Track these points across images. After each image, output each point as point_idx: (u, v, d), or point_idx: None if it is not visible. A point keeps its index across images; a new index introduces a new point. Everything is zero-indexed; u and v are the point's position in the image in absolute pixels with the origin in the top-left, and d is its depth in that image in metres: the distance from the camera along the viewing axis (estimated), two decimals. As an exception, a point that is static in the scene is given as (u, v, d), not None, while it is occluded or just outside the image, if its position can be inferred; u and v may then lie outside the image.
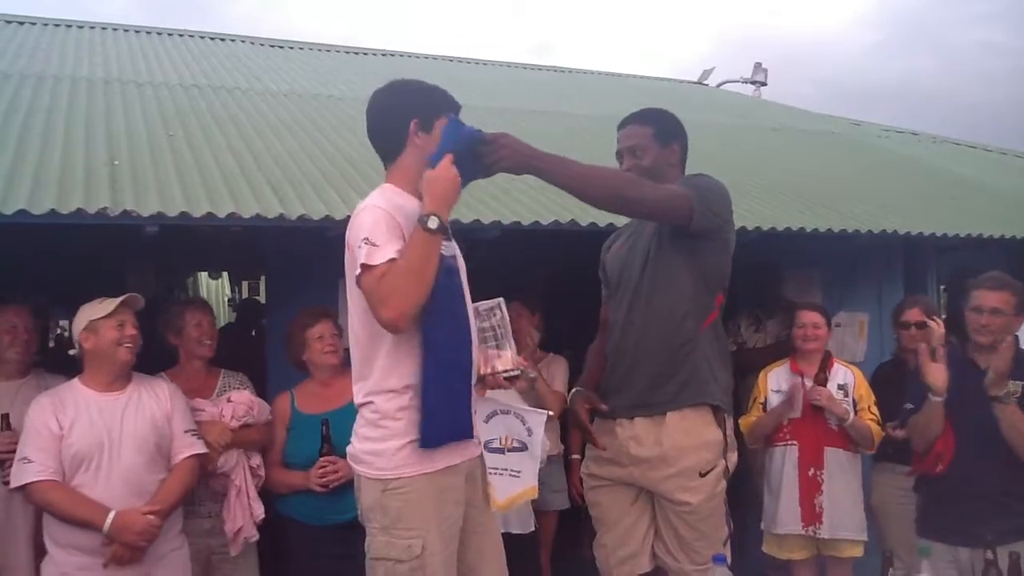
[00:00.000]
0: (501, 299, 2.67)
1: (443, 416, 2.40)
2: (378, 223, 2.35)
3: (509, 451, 2.81)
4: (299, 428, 3.54)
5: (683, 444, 2.82)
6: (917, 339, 4.17)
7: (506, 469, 2.80)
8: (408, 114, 2.51)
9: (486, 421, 2.78)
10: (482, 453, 2.65)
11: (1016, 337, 3.42)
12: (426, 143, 2.49)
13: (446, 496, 2.46)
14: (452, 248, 2.50)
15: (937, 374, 3.28)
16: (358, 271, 2.33)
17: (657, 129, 3.00)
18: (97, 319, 3.13)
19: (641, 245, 2.94)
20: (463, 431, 2.46)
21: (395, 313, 2.28)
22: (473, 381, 2.50)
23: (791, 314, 4.39)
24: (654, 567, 2.97)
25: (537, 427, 3.19)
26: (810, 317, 4.17)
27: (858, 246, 4.91)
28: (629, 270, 2.95)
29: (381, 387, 2.43)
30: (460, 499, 2.50)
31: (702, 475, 2.83)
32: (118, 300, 3.16)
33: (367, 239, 2.33)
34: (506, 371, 2.61)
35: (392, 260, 2.30)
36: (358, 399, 2.48)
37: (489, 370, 2.62)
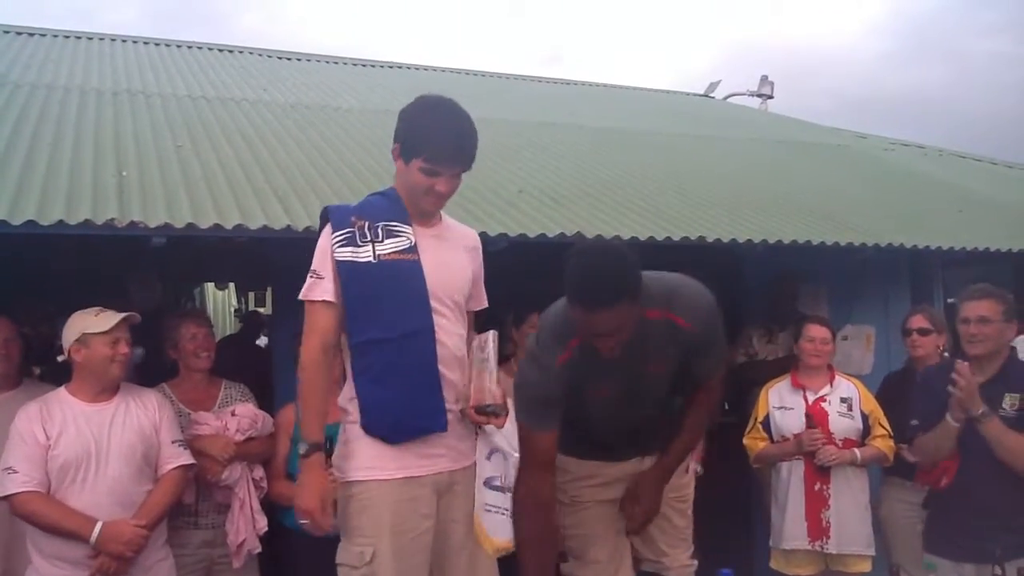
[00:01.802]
0: (492, 332, 2.66)
1: (378, 411, 2.49)
2: (324, 254, 2.53)
3: (508, 491, 2.75)
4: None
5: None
6: (916, 345, 4.18)
7: (507, 509, 2.74)
8: (398, 135, 2.60)
9: (488, 458, 2.74)
10: (470, 470, 2.66)
11: (1014, 348, 3.42)
12: (401, 171, 2.60)
13: (406, 507, 2.48)
14: (401, 243, 2.54)
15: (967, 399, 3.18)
16: (300, 299, 2.54)
17: (633, 296, 2.45)
18: (91, 333, 3.09)
19: (644, 397, 2.78)
20: (406, 428, 2.50)
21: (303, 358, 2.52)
22: (437, 383, 2.52)
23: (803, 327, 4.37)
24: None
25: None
26: (819, 332, 4.16)
27: (865, 259, 4.90)
28: (626, 416, 2.83)
29: (345, 393, 2.58)
30: (427, 512, 2.52)
31: (686, 471, 3.07)
32: (116, 318, 3.11)
33: (315, 270, 2.53)
34: (486, 405, 2.56)
35: (326, 303, 2.49)
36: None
37: (474, 403, 2.59)
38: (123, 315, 3.14)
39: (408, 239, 2.55)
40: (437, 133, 2.53)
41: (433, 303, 2.54)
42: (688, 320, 2.62)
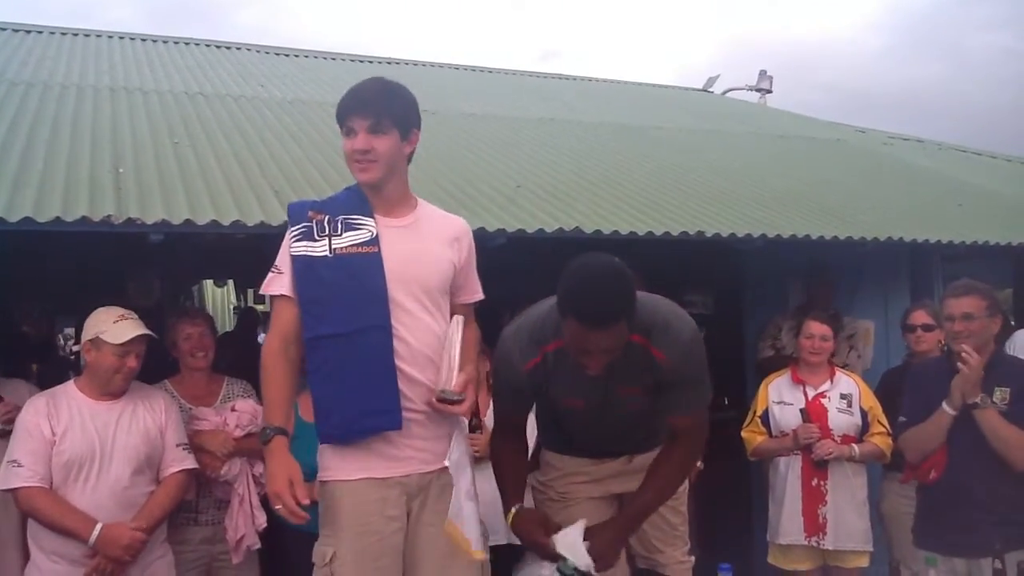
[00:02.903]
0: (456, 317, 2.58)
1: (328, 410, 2.47)
2: (284, 248, 2.53)
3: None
4: (303, 437, 3.49)
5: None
6: (921, 340, 4.18)
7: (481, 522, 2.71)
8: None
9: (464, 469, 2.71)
10: (445, 474, 2.54)
11: (1002, 344, 3.42)
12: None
13: (369, 508, 2.45)
14: (361, 235, 2.50)
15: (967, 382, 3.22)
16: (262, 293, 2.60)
17: (628, 318, 2.38)
18: (105, 340, 3.08)
19: (617, 414, 2.70)
20: (358, 427, 2.45)
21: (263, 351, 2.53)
22: (392, 380, 2.46)
23: (838, 322, 4.35)
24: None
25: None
26: (819, 328, 4.14)
27: (864, 254, 4.89)
28: (599, 431, 2.78)
29: None
30: (395, 515, 2.48)
31: None
32: (131, 334, 3.08)
33: (276, 265, 2.53)
34: (441, 391, 2.47)
35: (285, 297, 2.49)
36: None
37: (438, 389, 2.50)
38: (138, 332, 3.11)
39: (369, 231, 2.49)
40: (344, 96, 2.55)
41: (396, 297, 2.47)
42: (666, 354, 2.51)
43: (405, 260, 2.51)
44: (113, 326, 3.10)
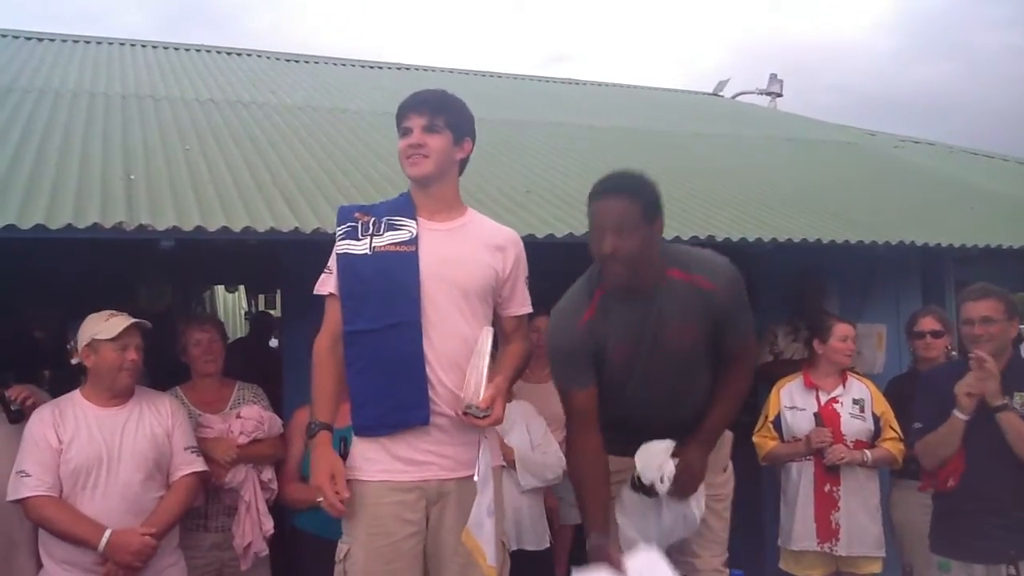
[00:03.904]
0: (487, 328, 2.58)
1: (362, 402, 2.53)
2: (335, 251, 2.61)
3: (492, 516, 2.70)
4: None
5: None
6: (930, 346, 4.16)
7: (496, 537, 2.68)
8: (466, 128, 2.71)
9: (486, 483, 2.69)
10: (467, 483, 2.51)
11: (1019, 347, 3.40)
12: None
13: (385, 510, 2.48)
14: (400, 235, 2.55)
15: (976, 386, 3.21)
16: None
17: (645, 203, 2.54)
18: (100, 339, 3.09)
19: (667, 362, 2.69)
20: (387, 420, 2.50)
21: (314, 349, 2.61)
22: (420, 376, 2.49)
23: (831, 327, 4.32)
24: None
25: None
26: (850, 331, 4.12)
27: (875, 257, 4.87)
28: (651, 381, 2.74)
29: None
30: (413, 519, 2.49)
31: (724, 470, 2.94)
32: (123, 324, 3.10)
33: (328, 266, 2.62)
34: (467, 405, 2.44)
35: (332, 295, 2.58)
36: None
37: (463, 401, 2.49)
38: (130, 321, 3.13)
39: (409, 232, 2.55)
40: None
41: (431, 296, 2.50)
42: (711, 280, 2.62)
43: (443, 261, 2.54)
44: (105, 324, 3.11)
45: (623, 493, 2.73)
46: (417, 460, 2.51)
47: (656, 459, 2.61)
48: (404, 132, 2.60)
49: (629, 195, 2.53)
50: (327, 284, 2.60)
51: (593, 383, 2.67)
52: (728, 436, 2.96)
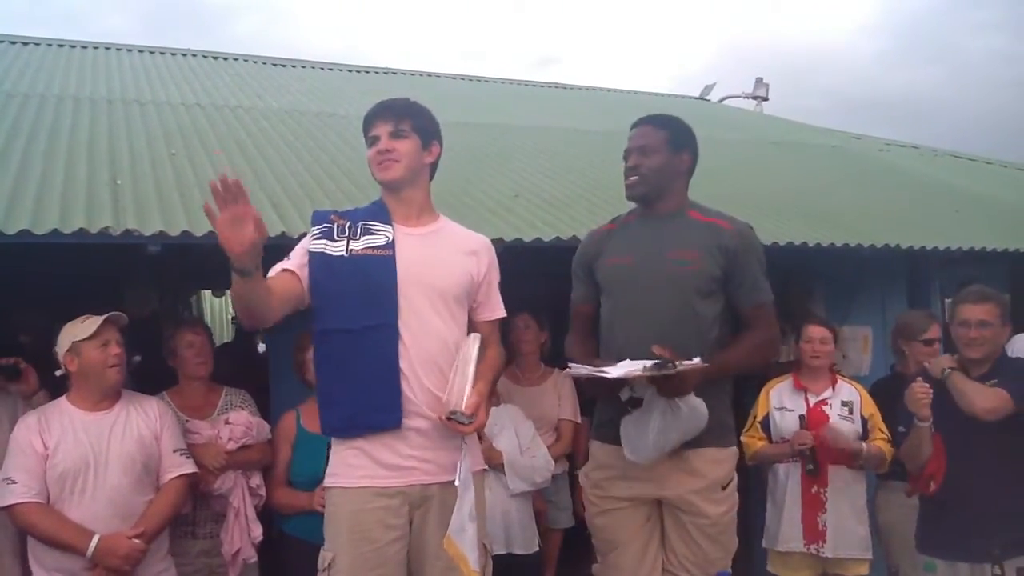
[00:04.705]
0: (474, 335, 2.60)
1: (332, 402, 2.51)
2: (300, 247, 2.61)
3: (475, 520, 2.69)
4: (304, 447, 3.52)
5: (711, 457, 2.85)
6: (934, 354, 4.16)
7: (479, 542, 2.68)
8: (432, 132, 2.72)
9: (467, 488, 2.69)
10: (448, 487, 2.50)
11: (1005, 348, 3.44)
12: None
13: (368, 516, 2.46)
14: (377, 240, 2.55)
15: (917, 401, 3.31)
16: None
17: (671, 134, 3.00)
18: (80, 340, 3.08)
19: (663, 276, 2.86)
20: (359, 422, 2.48)
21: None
22: (395, 379, 2.47)
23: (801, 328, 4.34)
24: None
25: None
26: (818, 332, 4.12)
27: (861, 260, 4.90)
28: (641, 294, 2.87)
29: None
30: (396, 524, 2.48)
31: (723, 488, 2.87)
32: (99, 320, 3.10)
33: (288, 257, 2.61)
34: (451, 411, 2.45)
35: (284, 269, 2.55)
36: None
37: (445, 408, 2.48)
38: (105, 316, 3.12)
39: (386, 237, 2.56)
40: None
41: (408, 299, 2.51)
42: (729, 223, 2.93)
43: (420, 264, 2.56)
44: (81, 326, 3.11)
45: (622, 426, 2.76)
46: (401, 466, 2.49)
47: (638, 363, 2.59)
48: (372, 141, 2.62)
49: (658, 124, 3.01)
50: (278, 266, 2.53)
51: (591, 301, 3.01)
52: (732, 453, 2.93)
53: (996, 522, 3.16)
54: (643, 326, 2.79)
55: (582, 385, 3.03)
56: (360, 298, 2.49)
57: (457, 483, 2.45)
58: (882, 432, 4.00)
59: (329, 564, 2.48)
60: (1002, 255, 5.14)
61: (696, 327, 2.80)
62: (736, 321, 2.92)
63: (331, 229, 2.57)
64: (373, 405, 2.47)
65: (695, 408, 2.67)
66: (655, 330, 2.75)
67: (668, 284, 2.82)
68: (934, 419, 3.30)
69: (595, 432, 3.04)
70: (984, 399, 3.17)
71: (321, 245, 2.55)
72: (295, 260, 2.56)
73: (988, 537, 3.08)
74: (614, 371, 2.57)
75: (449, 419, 2.45)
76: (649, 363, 2.53)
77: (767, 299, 2.91)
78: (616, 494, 2.92)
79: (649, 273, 2.86)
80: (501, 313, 2.78)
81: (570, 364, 2.76)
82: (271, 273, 2.50)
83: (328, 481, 2.55)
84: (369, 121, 2.65)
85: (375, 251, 2.53)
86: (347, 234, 2.55)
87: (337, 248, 2.53)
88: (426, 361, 2.51)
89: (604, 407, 2.97)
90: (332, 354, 2.51)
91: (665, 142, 2.96)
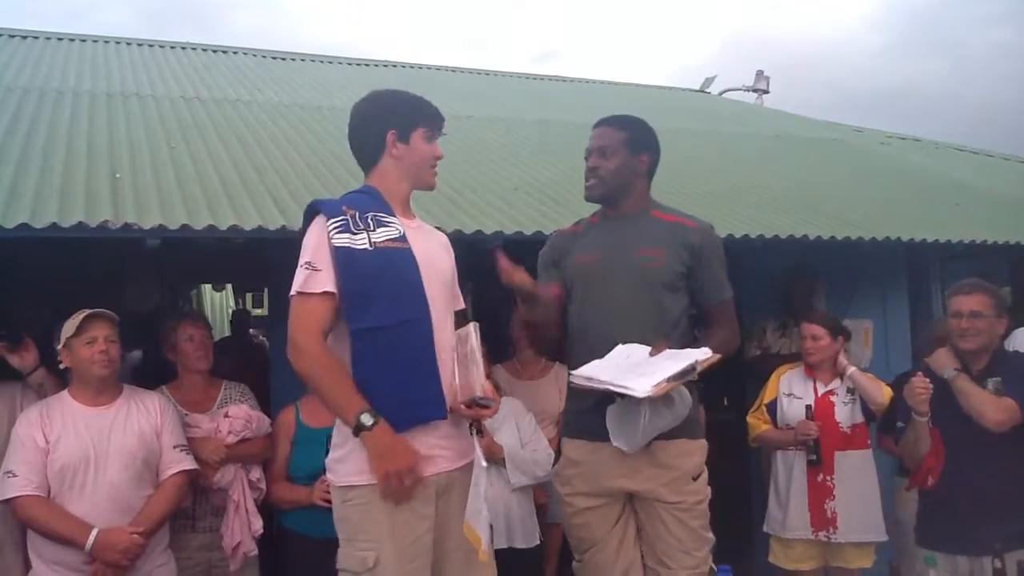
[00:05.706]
0: (473, 324, 2.60)
1: (378, 400, 2.40)
2: (319, 245, 2.46)
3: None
4: (303, 442, 3.52)
5: (682, 449, 2.90)
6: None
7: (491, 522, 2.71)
8: (386, 125, 2.60)
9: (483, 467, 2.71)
10: (467, 469, 2.55)
11: (1002, 342, 3.44)
12: (404, 154, 2.60)
13: (405, 509, 2.43)
14: (392, 232, 2.51)
15: (916, 395, 3.31)
16: (293, 293, 2.45)
17: (630, 136, 3.04)
18: (69, 336, 3.10)
19: (629, 272, 2.94)
20: (408, 416, 2.44)
21: (293, 352, 2.45)
22: (435, 371, 2.48)
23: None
24: None
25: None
26: (810, 329, 4.17)
27: (862, 253, 4.89)
28: (612, 289, 2.94)
29: None
30: (426, 513, 2.47)
31: (695, 479, 2.92)
32: (80, 316, 3.11)
33: (309, 263, 2.45)
34: (477, 397, 2.48)
35: (327, 293, 2.42)
36: None
37: (463, 397, 2.50)
38: (86, 312, 3.13)
39: (398, 229, 2.53)
40: (415, 100, 2.67)
41: (430, 292, 2.52)
42: (691, 221, 3.01)
43: (428, 258, 2.57)
44: (71, 323, 3.13)
45: (608, 415, 2.78)
46: (427, 455, 2.48)
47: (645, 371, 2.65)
48: (431, 138, 2.66)
49: (617, 125, 3.07)
50: (316, 281, 2.43)
51: (556, 286, 3.05)
52: (702, 445, 2.97)
53: (995, 516, 3.16)
54: (613, 320, 2.89)
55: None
56: (391, 293, 2.45)
57: (483, 462, 2.49)
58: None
59: (374, 563, 2.39)
60: (1003, 248, 5.13)
61: (664, 321, 2.89)
62: (697, 317, 3.01)
63: (347, 222, 2.48)
64: (418, 399, 2.46)
65: (683, 395, 2.73)
66: (625, 324, 2.85)
67: (637, 279, 2.90)
68: (933, 414, 3.30)
69: (564, 428, 3.08)
70: (995, 411, 3.18)
71: (345, 239, 2.45)
72: (328, 273, 2.44)
73: (987, 531, 3.08)
74: (638, 386, 2.56)
75: (476, 405, 2.48)
76: (674, 371, 2.58)
77: (728, 295, 3.01)
78: (587, 490, 2.95)
79: (618, 269, 2.93)
80: (462, 305, 2.83)
81: (587, 377, 2.73)
82: (312, 288, 2.43)
83: (356, 478, 2.45)
84: (438, 119, 2.70)
85: (394, 243, 2.50)
86: (363, 226, 2.49)
87: (360, 241, 2.47)
88: (446, 353, 2.54)
89: (570, 400, 3.03)
90: (368, 352, 2.43)
91: (624, 143, 3.02)
